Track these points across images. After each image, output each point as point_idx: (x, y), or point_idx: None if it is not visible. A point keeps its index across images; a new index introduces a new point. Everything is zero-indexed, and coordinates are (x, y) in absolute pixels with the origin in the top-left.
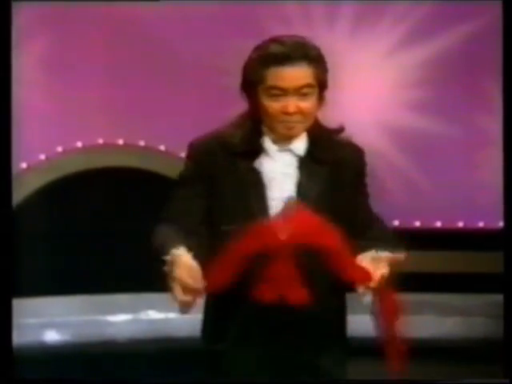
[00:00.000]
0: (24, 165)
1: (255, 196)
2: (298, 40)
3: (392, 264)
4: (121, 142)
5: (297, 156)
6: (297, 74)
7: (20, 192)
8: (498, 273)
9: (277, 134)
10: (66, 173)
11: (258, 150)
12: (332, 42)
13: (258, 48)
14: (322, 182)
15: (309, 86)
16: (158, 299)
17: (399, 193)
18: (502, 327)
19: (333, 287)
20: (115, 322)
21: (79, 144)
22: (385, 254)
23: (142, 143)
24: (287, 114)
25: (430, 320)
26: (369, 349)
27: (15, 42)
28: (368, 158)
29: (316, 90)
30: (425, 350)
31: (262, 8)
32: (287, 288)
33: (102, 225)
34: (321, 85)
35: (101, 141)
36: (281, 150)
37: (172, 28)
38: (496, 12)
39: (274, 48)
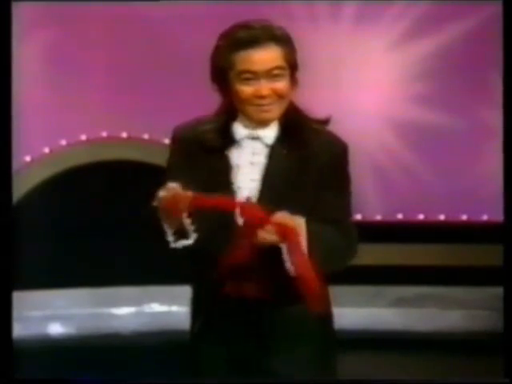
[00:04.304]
0: (28, 158)
1: (221, 184)
2: (264, 23)
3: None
4: (124, 135)
5: (266, 144)
6: (266, 56)
7: (24, 185)
8: (501, 266)
9: (252, 119)
10: (69, 166)
11: (229, 141)
12: (335, 37)
13: (224, 35)
14: (289, 172)
15: (279, 67)
16: (161, 292)
17: (403, 186)
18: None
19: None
20: (119, 315)
21: (83, 137)
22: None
23: (145, 136)
24: (261, 97)
25: (431, 313)
26: (357, 341)
27: (18, 35)
28: (370, 152)
29: (287, 72)
30: (426, 343)
31: (264, 5)
32: (245, 280)
33: (105, 217)
34: (291, 65)
35: (105, 134)
36: (250, 138)
37: (176, 24)
38: (498, 6)
39: (241, 32)
